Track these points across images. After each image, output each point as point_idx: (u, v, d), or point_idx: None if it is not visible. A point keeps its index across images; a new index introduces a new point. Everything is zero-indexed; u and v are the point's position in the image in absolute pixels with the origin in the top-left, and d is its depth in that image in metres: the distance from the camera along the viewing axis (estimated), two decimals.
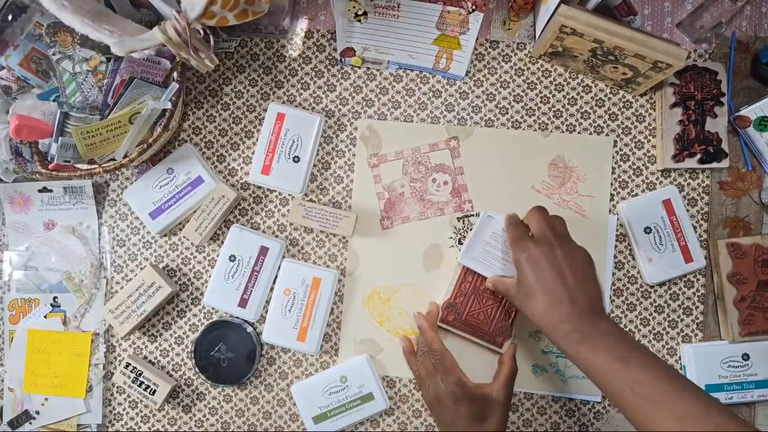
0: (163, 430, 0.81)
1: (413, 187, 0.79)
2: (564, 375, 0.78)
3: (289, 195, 0.80)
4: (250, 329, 0.79)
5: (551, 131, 0.79)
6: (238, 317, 0.79)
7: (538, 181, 0.79)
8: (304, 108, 0.80)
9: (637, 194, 0.79)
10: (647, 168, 0.80)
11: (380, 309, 0.79)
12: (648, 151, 0.80)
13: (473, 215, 0.79)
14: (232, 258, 0.77)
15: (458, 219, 0.79)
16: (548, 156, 0.79)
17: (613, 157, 0.79)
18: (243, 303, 0.78)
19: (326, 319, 0.78)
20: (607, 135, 0.79)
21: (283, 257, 0.79)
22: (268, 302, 0.78)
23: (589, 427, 0.79)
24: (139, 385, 0.77)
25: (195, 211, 0.78)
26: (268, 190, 0.80)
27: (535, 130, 0.80)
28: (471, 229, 0.79)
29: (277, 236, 0.80)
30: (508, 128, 0.80)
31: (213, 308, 0.80)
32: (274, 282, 0.78)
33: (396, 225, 0.80)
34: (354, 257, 0.79)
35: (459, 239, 0.79)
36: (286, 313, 0.77)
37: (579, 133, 0.80)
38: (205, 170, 0.78)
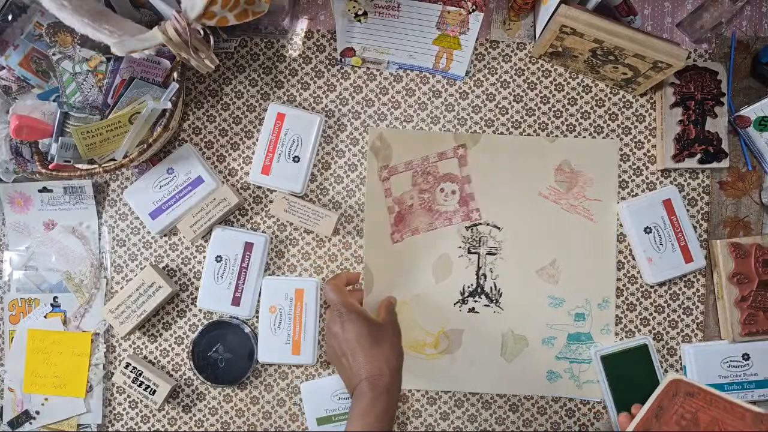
0: (163, 430, 0.81)
1: (422, 198, 0.79)
2: (579, 380, 0.78)
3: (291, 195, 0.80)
4: (247, 329, 0.79)
5: (557, 136, 0.79)
6: (236, 317, 0.79)
7: (546, 186, 0.79)
8: (304, 108, 0.80)
9: (637, 194, 0.79)
10: (647, 168, 0.80)
11: None
12: (648, 151, 0.80)
13: (481, 224, 0.79)
14: (219, 258, 0.77)
15: (467, 228, 0.79)
16: (554, 161, 0.79)
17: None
18: (236, 301, 0.78)
19: (317, 328, 0.77)
20: (612, 139, 0.79)
21: (265, 272, 0.79)
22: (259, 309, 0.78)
23: (589, 427, 0.79)
24: (139, 385, 0.77)
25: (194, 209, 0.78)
26: (268, 190, 0.80)
27: (536, 131, 0.80)
28: (479, 239, 0.78)
29: (276, 236, 0.80)
30: (509, 128, 0.80)
31: (208, 311, 0.80)
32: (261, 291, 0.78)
33: (405, 237, 0.79)
34: (368, 275, 0.78)
35: (468, 248, 0.79)
36: (276, 330, 0.77)
37: (579, 133, 0.79)
38: (205, 170, 0.78)
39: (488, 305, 0.79)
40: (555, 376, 0.78)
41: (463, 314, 0.79)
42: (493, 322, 0.79)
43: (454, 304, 0.79)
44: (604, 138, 0.79)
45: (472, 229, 0.79)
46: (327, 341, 0.70)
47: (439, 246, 0.79)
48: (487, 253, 0.79)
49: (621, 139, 0.80)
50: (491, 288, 0.79)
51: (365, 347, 0.66)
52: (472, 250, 0.79)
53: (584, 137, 0.79)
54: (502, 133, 0.80)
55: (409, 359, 0.78)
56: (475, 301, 0.79)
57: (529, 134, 0.80)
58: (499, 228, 0.79)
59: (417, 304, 0.79)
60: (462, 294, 0.79)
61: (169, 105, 0.71)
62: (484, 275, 0.79)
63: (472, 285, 0.79)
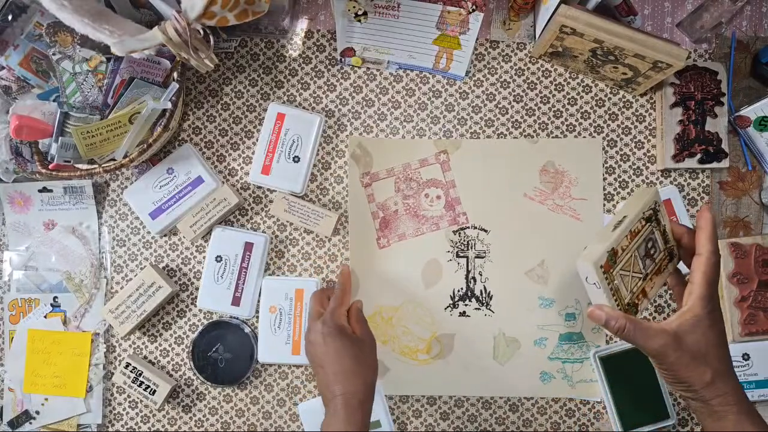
0: (163, 430, 0.81)
1: (406, 204, 0.79)
2: (572, 380, 0.78)
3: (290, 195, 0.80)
4: (247, 330, 0.79)
5: (540, 137, 0.79)
6: (236, 317, 0.79)
7: (531, 188, 0.79)
8: (304, 108, 0.80)
9: None
10: (647, 168, 0.80)
11: (383, 328, 0.79)
12: (648, 151, 0.80)
13: (469, 227, 0.79)
14: (219, 258, 0.78)
15: (454, 232, 0.79)
16: (538, 162, 0.79)
17: (612, 157, 0.79)
18: (236, 301, 0.78)
19: None
20: (594, 137, 0.79)
21: (265, 272, 0.79)
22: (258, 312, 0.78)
23: (589, 427, 0.79)
24: (139, 385, 0.77)
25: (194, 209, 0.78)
26: (268, 190, 0.80)
27: (536, 131, 0.79)
28: (467, 243, 0.78)
29: (276, 236, 0.80)
30: (510, 128, 0.80)
31: (208, 310, 0.80)
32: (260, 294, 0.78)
33: (392, 243, 0.79)
34: (354, 279, 0.79)
35: (456, 252, 0.79)
36: (275, 331, 0.77)
37: (579, 133, 0.79)
38: (205, 170, 0.78)
39: (479, 308, 0.79)
40: (548, 377, 0.78)
41: (454, 318, 0.79)
42: (485, 325, 0.78)
43: (445, 308, 0.79)
44: (589, 137, 0.79)
45: (459, 233, 0.79)
46: (306, 347, 0.71)
47: (428, 251, 0.79)
48: (475, 257, 0.79)
49: (621, 139, 0.80)
50: (481, 291, 0.79)
51: (345, 364, 0.67)
52: (461, 254, 0.79)
53: (566, 137, 0.79)
54: (502, 133, 0.80)
55: (401, 365, 0.78)
56: (466, 305, 0.79)
57: (529, 135, 0.80)
58: (486, 231, 0.79)
59: (407, 310, 0.79)
60: (452, 298, 0.79)
61: (169, 105, 0.71)
62: (474, 279, 0.79)
63: (462, 289, 0.79)
